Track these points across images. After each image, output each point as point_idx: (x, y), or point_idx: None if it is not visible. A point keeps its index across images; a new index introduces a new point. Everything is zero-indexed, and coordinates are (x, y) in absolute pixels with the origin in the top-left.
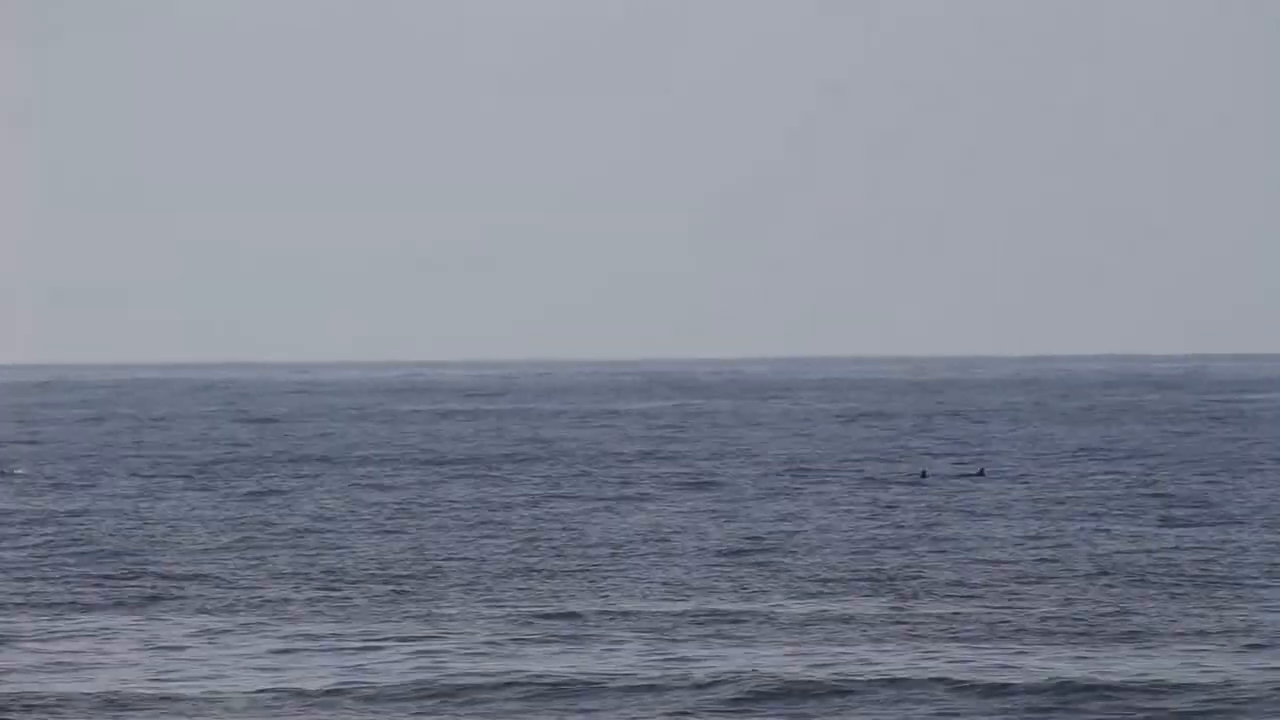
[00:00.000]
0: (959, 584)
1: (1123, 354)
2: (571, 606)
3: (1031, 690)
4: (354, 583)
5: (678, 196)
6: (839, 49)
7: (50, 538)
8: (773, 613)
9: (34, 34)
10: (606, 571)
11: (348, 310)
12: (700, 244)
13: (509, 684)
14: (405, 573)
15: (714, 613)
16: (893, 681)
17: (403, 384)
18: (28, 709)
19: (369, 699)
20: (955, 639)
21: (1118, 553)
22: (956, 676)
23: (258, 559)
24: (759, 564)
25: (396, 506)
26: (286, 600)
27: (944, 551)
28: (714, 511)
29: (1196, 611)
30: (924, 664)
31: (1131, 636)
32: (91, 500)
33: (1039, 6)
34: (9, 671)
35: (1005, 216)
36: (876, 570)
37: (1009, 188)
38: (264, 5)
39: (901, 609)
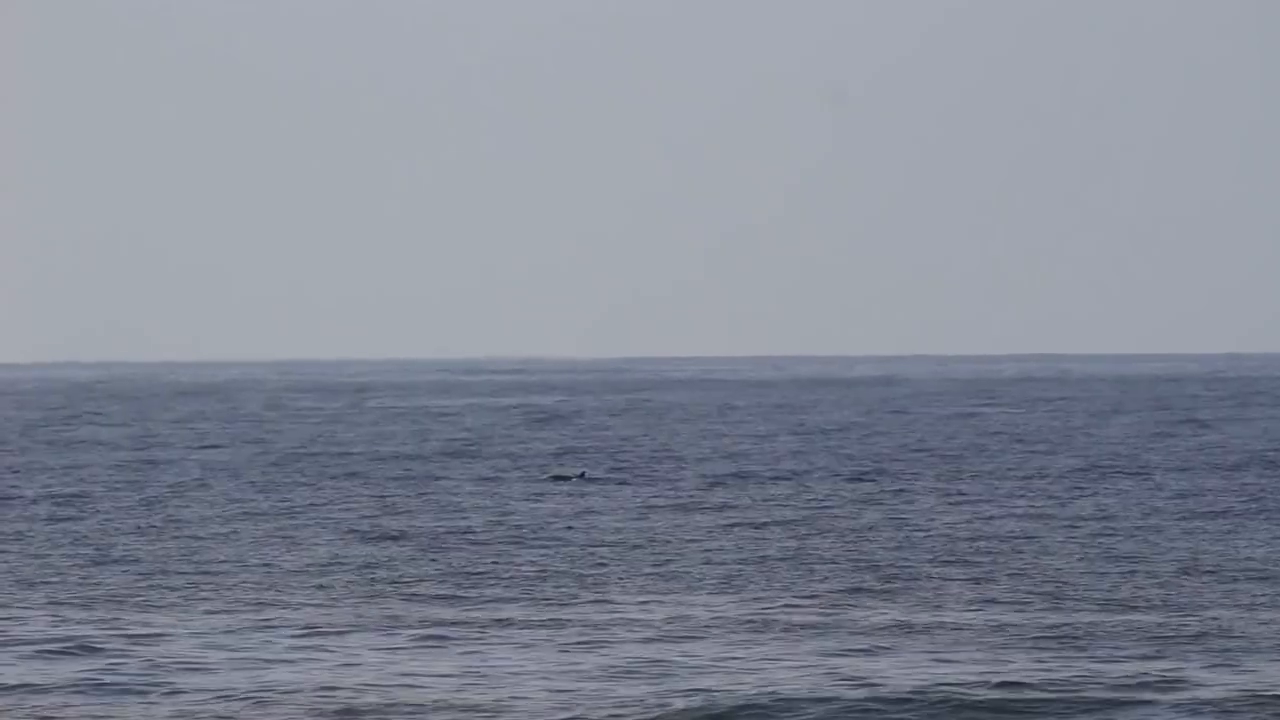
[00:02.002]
0: None
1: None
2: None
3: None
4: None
5: (684, 203)
6: (841, 53)
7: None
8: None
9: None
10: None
11: (359, 312)
12: (709, 253)
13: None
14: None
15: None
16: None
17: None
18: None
19: None
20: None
21: None
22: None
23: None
24: None
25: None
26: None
27: None
28: None
29: None
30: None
31: None
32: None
33: (1040, 6)
34: None
35: (1005, 215)
36: None
37: (1009, 186)
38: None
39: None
